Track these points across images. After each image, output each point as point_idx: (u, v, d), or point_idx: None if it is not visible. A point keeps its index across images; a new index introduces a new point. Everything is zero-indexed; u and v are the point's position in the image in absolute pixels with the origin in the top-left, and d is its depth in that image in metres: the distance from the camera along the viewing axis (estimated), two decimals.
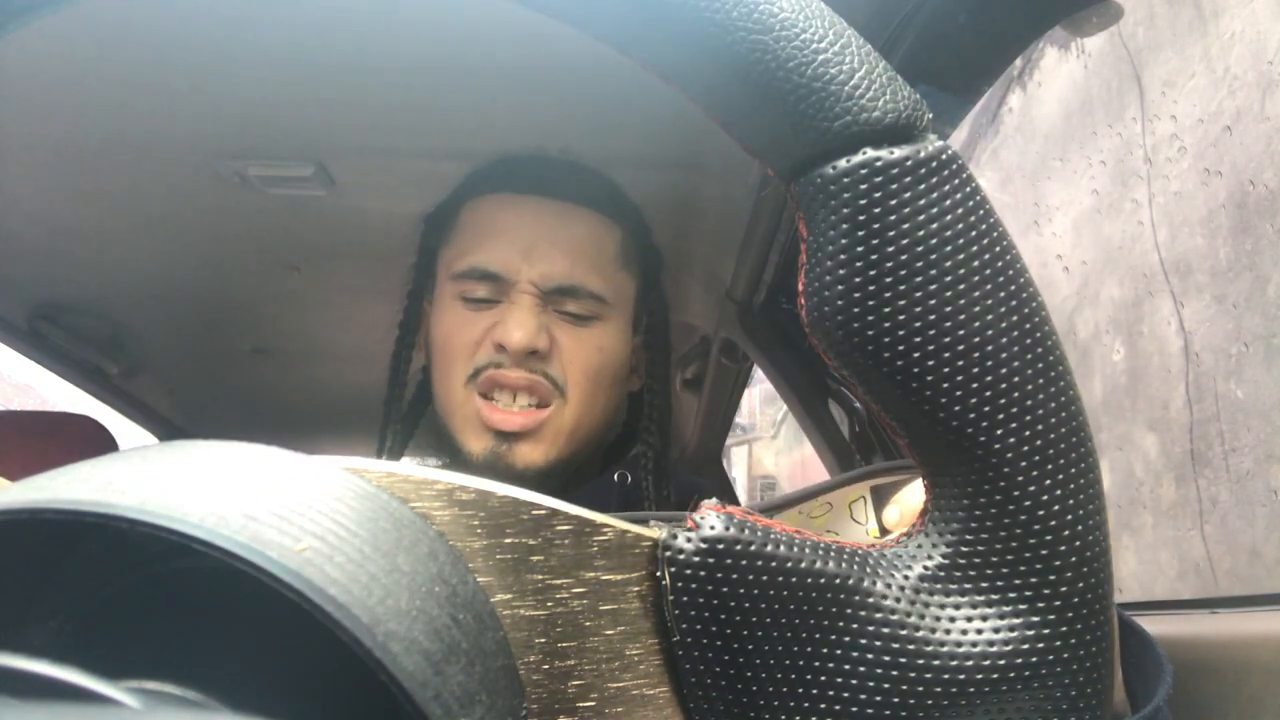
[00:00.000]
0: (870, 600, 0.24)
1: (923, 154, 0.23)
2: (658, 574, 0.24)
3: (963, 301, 0.23)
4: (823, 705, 0.24)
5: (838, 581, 0.24)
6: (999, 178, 3.21)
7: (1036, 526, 0.24)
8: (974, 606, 0.24)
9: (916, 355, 0.23)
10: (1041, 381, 0.24)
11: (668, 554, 0.24)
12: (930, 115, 0.24)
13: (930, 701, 0.24)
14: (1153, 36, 2.37)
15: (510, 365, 0.68)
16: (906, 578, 0.25)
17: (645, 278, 0.80)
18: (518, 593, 0.24)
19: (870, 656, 0.24)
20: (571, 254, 0.70)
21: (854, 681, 0.24)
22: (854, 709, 0.24)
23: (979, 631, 0.24)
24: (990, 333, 0.23)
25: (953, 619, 0.24)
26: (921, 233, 0.23)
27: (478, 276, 0.70)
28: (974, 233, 0.23)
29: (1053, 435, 0.24)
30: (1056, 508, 0.24)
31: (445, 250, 0.76)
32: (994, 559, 0.24)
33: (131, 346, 1.22)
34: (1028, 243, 2.94)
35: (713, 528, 0.24)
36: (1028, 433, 0.23)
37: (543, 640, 0.24)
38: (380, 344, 1.15)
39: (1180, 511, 2.25)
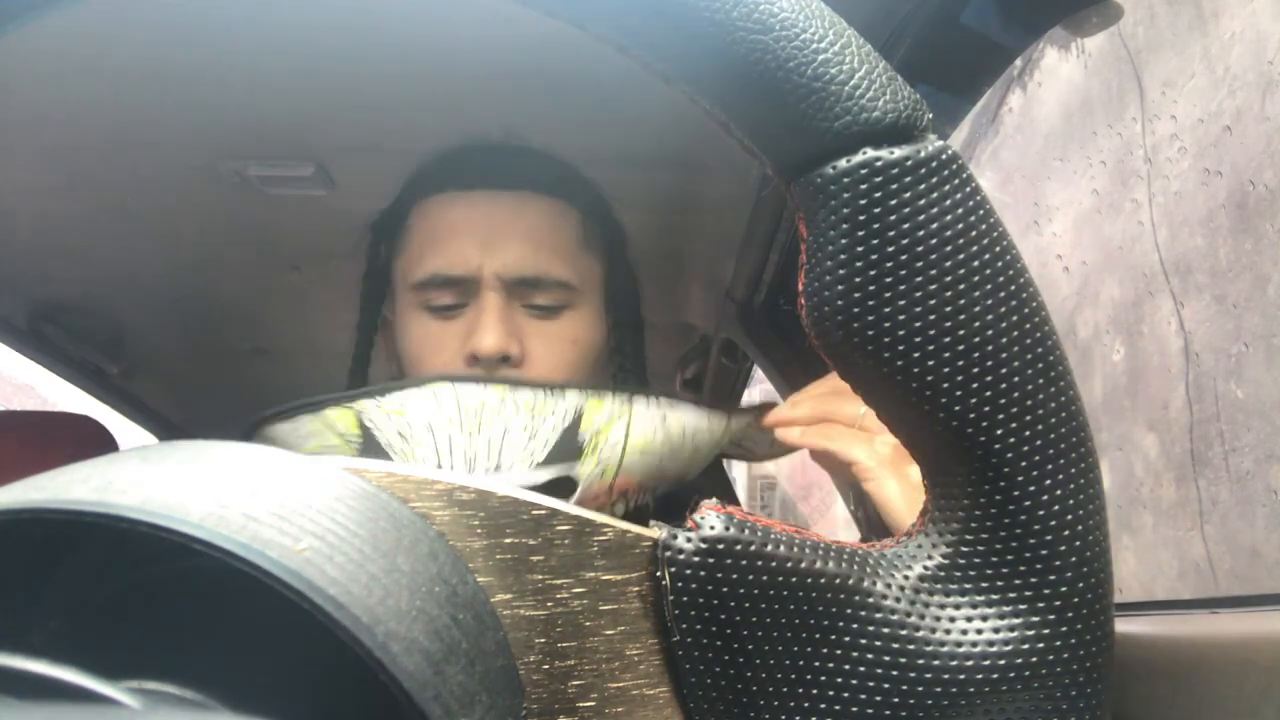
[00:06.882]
0: (870, 600, 0.24)
1: (923, 154, 0.23)
2: (658, 574, 0.24)
3: (963, 301, 0.23)
4: (822, 705, 0.24)
5: (838, 581, 0.24)
6: (999, 178, 3.21)
7: (1036, 526, 0.24)
8: (974, 607, 0.24)
9: (916, 355, 0.23)
10: (1042, 381, 0.24)
11: (667, 554, 0.24)
12: (930, 115, 0.24)
13: (930, 702, 0.24)
14: (1153, 36, 2.37)
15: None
16: (906, 578, 0.25)
17: (610, 256, 0.78)
18: (518, 593, 0.24)
19: (870, 656, 0.24)
20: (532, 243, 0.68)
21: (854, 681, 0.24)
22: (854, 709, 0.24)
23: (979, 632, 0.24)
24: (990, 333, 0.23)
25: (953, 619, 0.24)
26: (921, 233, 0.23)
27: (439, 284, 0.68)
28: (974, 233, 0.23)
29: (1053, 435, 0.24)
30: (1056, 508, 0.24)
31: (400, 259, 0.74)
32: (994, 559, 0.24)
33: (131, 346, 1.21)
34: (1028, 243, 2.94)
35: (713, 528, 0.24)
36: (1028, 433, 0.23)
37: (543, 640, 0.24)
38: None
39: (1180, 511, 2.25)
